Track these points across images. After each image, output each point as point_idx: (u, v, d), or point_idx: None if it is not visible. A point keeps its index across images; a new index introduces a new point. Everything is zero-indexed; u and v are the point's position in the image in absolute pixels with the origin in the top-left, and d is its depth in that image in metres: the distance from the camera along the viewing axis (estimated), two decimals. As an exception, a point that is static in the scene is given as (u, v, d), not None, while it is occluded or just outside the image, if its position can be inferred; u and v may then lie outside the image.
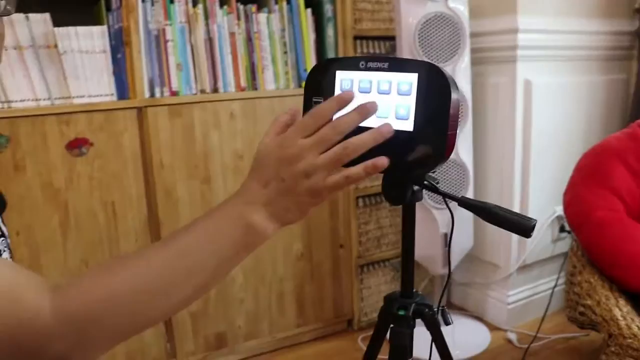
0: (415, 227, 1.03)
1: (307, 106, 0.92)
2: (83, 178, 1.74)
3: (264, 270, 2.02)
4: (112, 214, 1.79)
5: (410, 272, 1.06)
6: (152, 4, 1.78)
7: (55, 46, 1.67)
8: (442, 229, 1.98)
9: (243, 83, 1.92)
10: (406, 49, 1.85)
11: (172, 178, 1.85)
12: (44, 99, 1.69)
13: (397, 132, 0.79)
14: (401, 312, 1.05)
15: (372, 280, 2.23)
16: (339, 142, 0.70)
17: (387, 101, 0.82)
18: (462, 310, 2.36)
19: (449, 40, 1.88)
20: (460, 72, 1.91)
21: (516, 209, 2.12)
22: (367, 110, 0.71)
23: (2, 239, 0.92)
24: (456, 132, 0.80)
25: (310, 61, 1.99)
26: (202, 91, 1.88)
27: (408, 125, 0.80)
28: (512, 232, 0.88)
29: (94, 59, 1.72)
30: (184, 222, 1.81)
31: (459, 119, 0.83)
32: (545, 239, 2.23)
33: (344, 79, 0.87)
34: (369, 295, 2.22)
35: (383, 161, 0.71)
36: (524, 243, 2.14)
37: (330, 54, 2.00)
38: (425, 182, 0.93)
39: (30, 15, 1.64)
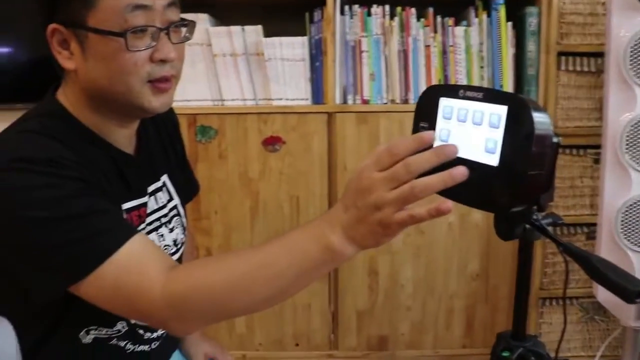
0: (532, 265, 0.96)
1: (415, 130, 0.93)
2: (274, 172, 1.94)
3: (435, 284, 2.01)
4: (295, 207, 1.96)
5: (523, 312, 0.99)
6: (351, 17, 1.89)
7: (263, 54, 1.89)
8: (640, 273, 1.73)
9: (434, 95, 1.92)
10: (614, 69, 1.66)
11: (353, 181, 1.95)
12: (249, 99, 1.93)
13: (484, 166, 0.76)
14: (505, 354, 0.99)
15: (554, 317, 2.04)
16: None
17: (479, 133, 0.79)
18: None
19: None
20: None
21: None
22: (444, 153, 0.70)
23: (177, 217, 1.12)
24: (543, 173, 0.73)
25: (508, 77, 1.91)
26: (392, 101, 1.94)
27: (494, 160, 0.76)
28: (613, 293, 0.77)
29: (294, 66, 1.90)
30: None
31: (550, 159, 0.76)
32: None
33: (445, 105, 0.86)
34: (549, 332, 2.04)
35: (448, 206, 0.68)
36: None
37: (530, 71, 1.88)
38: (534, 220, 0.87)
39: (246, 27, 1.88)
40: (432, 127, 0.88)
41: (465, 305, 2.03)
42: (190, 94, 1.93)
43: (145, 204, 1.00)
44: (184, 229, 1.14)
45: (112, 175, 0.91)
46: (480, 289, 2.02)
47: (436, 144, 0.76)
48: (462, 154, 0.76)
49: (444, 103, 0.86)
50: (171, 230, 1.08)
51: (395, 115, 1.91)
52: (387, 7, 1.89)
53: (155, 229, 1.03)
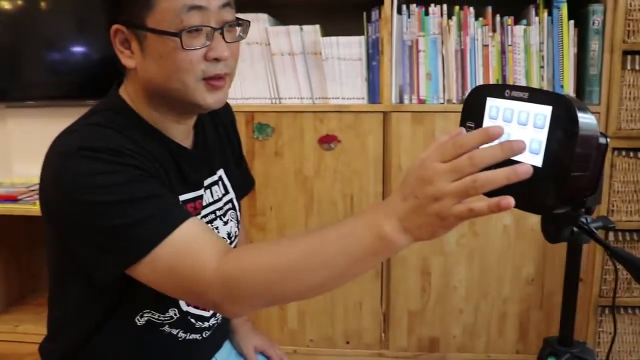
0: (579, 268, 0.94)
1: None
2: (329, 170, 1.96)
3: (488, 287, 1.98)
4: (349, 205, 1.98)
5: (570, 317, 0.97)
6: (409, 16, 1.89)
7: (320, 53, 1.91)
8: None
9: (492, 95, 1.89)
10: (683, 69, 1.59)
11: (407, 181, 1.95)
12: (306, 98, 1.96)
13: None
14: (550, 359, 0.97)
15: (617, 326, 1.97)
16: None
17: (524, 133, 0.79)
18: None
19: None
20: None
21: None
22: (512, 149, 0.68)
23: (232, 210, 1.17)
24: (588, 175, 0.72)
25: (569, 77, 1.86)
26: (449, 101, 1.92)
27: (538, 161, 0.76)
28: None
29: (351, 65, 1.92)
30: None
31: (596, 161, 0.74)
32: None
33: (492, 105, 0.86)
34: (608, 341, 1.98)
35: (509, 202, 0.67)
36: None
37: (593, 70, 1.82)
38: (581, 223, 0.86)
39: (304, 26, 1.92)
40: (479, 126, 0.88)
41: (519, 310, 1.99)
42: (249, 92, 1.98)
43: (201, 197, 1.04)
44: (238, 222, 1.18)
45: (169, 168, 0.95)
46: (535, 294, 1.97)
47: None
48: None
49: (490, 103, 0.86)
50: (225, 223, 1.12)
51: (452, 115, 1.90)
52: (444, 6, 1.88)
53: (210, 222, 1.08)
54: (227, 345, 1.26)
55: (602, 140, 0.73)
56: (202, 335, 1.08)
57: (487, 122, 0.86)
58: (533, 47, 1.87)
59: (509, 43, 1.87)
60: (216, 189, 1.10)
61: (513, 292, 1.98)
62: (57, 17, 2.32)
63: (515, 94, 0.81)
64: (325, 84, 1.94)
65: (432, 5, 1.89)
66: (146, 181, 0.85)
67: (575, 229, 0.86)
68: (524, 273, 1.96)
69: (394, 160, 1.94)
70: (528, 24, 1.86)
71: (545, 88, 1.88)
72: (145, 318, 0.97)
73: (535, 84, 1.88)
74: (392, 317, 2.03)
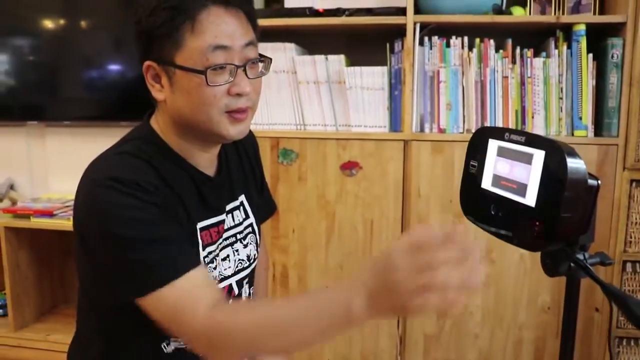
0: (577, 302, 0.98)
1: (466, 167, 1.00)
2: (350, 195, 2.03)
3: (504, 314, 2.01)
4: (369, 230, 2.04)
5: (569, 344, 1.00)
6: (430, 48, 1.96)
7: (344, 82, 1.99)
8: None
9: (511, 126, 1.94)
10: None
11: (426, 208, 2.00)
12: (330, 125, 2.04)
13: (522, 205, 0.82)
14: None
15: (632, 358, 1.98)
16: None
17: (520, 173, 0.84)
18: None
19: None
20: None
21: None
22: (470, 282, 0.71)
23: (252, 234, 1.24)
24: (578, 216, 0.78)
25: (587, 109, 1.89)
26: (468, 130, 1.97)
27: (531, 200, 0.81)
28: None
29: (373, 94, 1.99)
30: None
31: (585, 203, 0.79)
32: None
33: (493, 146, 0.92)
34: (625, 371, 1.98)
35: (457, 307, 0.71)
36: None
37: (611, 103, 1.86)
38: (577, 259, 0.90)
39: (330, 56, 2.00)
40: (482, 165, 0.95)
41: (535, 337, 2.01)
42: (275, 118, 2.06)
43: (223, 221, 1.11)
44: (257, 245, 1.25)
45: (191, 196, 1.03)
46: (551, 322, 1.99)
47: (486, 177, 0.82)
48: (504, 193, 0.82)
49: (492, 144, 0.92)
50: (245, 246, 1.19)
51: (471, 144, 1.94)
52: (465, 39, 1.95)
53: (231, 245, 1.15)
54: None
55: (592, 182, 0.78)
56: None
57: (488, 161, 0.92)
58: (552, 79, 1.91)
59: (529, 75, 1.92)
60: (237, 214, 1.17)
61: (529, 320, 2.00)
62: (95, 36, 2.44)
63: (513, 137, 0.87)
64: (349, 112, 2.01)
65: (454, 37, 1.95)
66: (165, 224, 0.93)
67: (571, 264, 0.91)
68: (539, 301, 1.98)
69: (413, 187, 1.99)
70: (547, 57, 1.91)
71: (564, 120, 1.92)
72: (172, 346, 1.05)
73: (554, 116, 1.92)
74: (408, 340, 2.07)
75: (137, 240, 0.89)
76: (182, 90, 0.96)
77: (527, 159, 0.82)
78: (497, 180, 0.88)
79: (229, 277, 1.14)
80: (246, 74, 0.98)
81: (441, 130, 1.99)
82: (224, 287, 1.12)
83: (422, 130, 2.01)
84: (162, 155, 1.01)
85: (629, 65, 1.84)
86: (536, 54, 1.93)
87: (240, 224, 1.18)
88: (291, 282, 2.10)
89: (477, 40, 1.94)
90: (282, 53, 2.00)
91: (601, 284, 0.86)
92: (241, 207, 1.19)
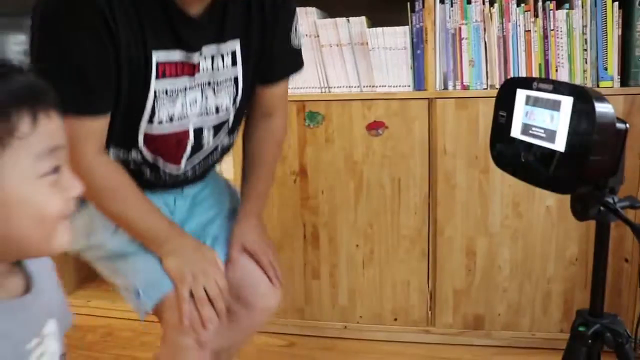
0: (608, 245, 1.01)
1: (495, 117, 1.02)
2: (377, 155, 2.06)
3: (532, 267, 2.04)
4: (397, 189, 2.07)
5: (600, 290, 1.04)
6: (452, 5, 1.95)
7: (367, 43, 2.00)
8: None
9: (535, 80, 1.94)
10: None
11: (452, 165, 2.02)
12: (354, 87, 2.06)
13: (552, 151, 0.84)
14: (581, 329, 1.05)
15: (662, 306, 2.00)
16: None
17: (550, 120, 0.87)
18: None
19: None
20: None
21: None
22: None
23: (231, 86, 1.20)
24: (607, 159, 0.80)
25: (613, 59, 1.88)
26: (492, 86, 1.98)
27: (561, 146, 0.84)
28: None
29: (396, 54, 2.00)
30: (459, 206, 2.01)
31: (614, 146, 0.81)
32: None
33: (521, 96, 0.94)
34: (654, 319, 2.00)
35: (205, 332, 1.18)
36: None
37: (638, 51, 1.84)
38: (607, 202, 0.93)
39: (351, 18, 2.01)
40: (511, 114, 0.97)
41: (563, 290, 2.04)
42: (300, 82, 2.08)
43: (197, 63, 1.10)
44: (234, 100, 1.22)
45: (155, 21, 1.02)
46: (579, 273, 2.02)
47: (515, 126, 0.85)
48: (534, 140, 0.85)
49: (520, 94, 0.94)
50: (217, 95, 1.17)
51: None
52: (487, -6, 1.94)
53: (202, 90, 1.14)
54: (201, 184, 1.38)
55: (620, 125, 0.81)
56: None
57: (517, 111, 0.95)
58: (576, 30, 1.90)
59: (552, 28, 1.91)
60: (219, 61, 1.15)
61: (557, 272, 2.03)
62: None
63: (542, 86, 0.89)
64: (372, 73, 2.02)
65: (475, -7, 1.95)
66: (91, 50, 0.98)
67: (601, 207, 0.94)
68: (567, 253, 2.01)
69: (439, 144, 2.01)
70: (570, 8, 1.89)
71: (588, 71, 1.91)
72: (111, 151, 1.15)
73: (578, 68, 1.91)
74: (438, 295, 2.12)
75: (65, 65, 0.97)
76: None
77: (556, 105, 0.84)
78: (527, 128, 0.91)
79: (189, 118, 1.14)
80: None
81: (465, 87, 2.00)
82: (182, 129, 1.14)
83: (445, 87, 2.02)
84: None
85: (655, 12, 1.82)
86: (559, 6, 1.91)
87: (219, 72, 1.16)
88: (322, 242, 2.15)
89: (499, -6, 1.93)
90: (304, 17, 2.01)
91: (631, 225, 0.89)
92: (228, 55, 1.16)
